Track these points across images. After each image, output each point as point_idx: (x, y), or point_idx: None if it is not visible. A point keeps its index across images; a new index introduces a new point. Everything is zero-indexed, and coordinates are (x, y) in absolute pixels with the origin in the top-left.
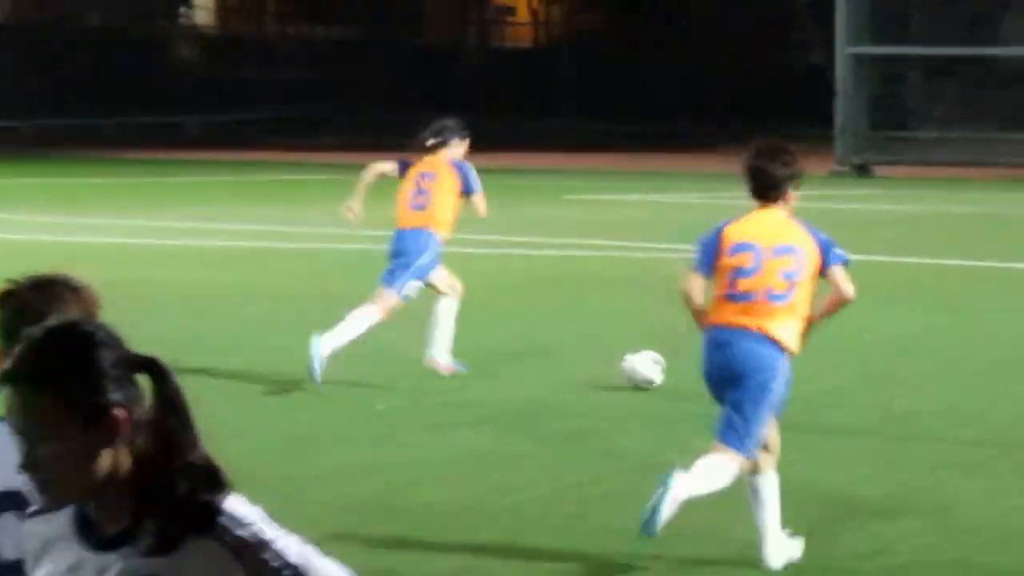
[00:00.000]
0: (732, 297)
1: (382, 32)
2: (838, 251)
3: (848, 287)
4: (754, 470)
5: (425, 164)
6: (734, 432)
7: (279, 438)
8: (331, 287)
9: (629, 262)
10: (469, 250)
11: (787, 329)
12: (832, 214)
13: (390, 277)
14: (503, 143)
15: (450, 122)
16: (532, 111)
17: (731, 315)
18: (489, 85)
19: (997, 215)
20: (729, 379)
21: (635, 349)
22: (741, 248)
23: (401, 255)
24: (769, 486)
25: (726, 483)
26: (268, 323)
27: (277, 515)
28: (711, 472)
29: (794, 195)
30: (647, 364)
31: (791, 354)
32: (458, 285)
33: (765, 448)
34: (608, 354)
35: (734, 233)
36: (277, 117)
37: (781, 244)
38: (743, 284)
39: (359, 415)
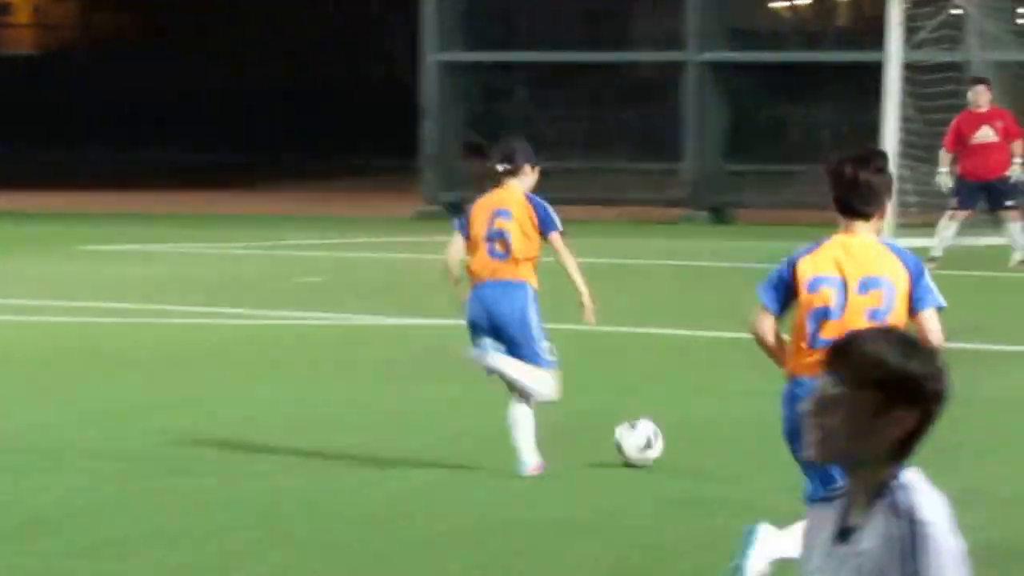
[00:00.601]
0: (815, 345)
1: None
2: (932, 291)
3: (936, 335)
4: None
5: (496, 199)
6: None
7: None
8: None
9: (171, 330)
10: None
11: None
12: (418, 266)
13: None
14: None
15: (519, 144)
16: (37, 136)
17: (813, 367)
18: None
19: (622, 267)
20: None
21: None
22: (822, 282)
23: (496, 320)
24: None
25: None
26: None
27: None
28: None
29: (882, 218)
30: (637, 452)
31: None
32: None
33: None
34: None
35: (812, 264)
36: None
37: (867, 275)
38: (829, 329)
39: None
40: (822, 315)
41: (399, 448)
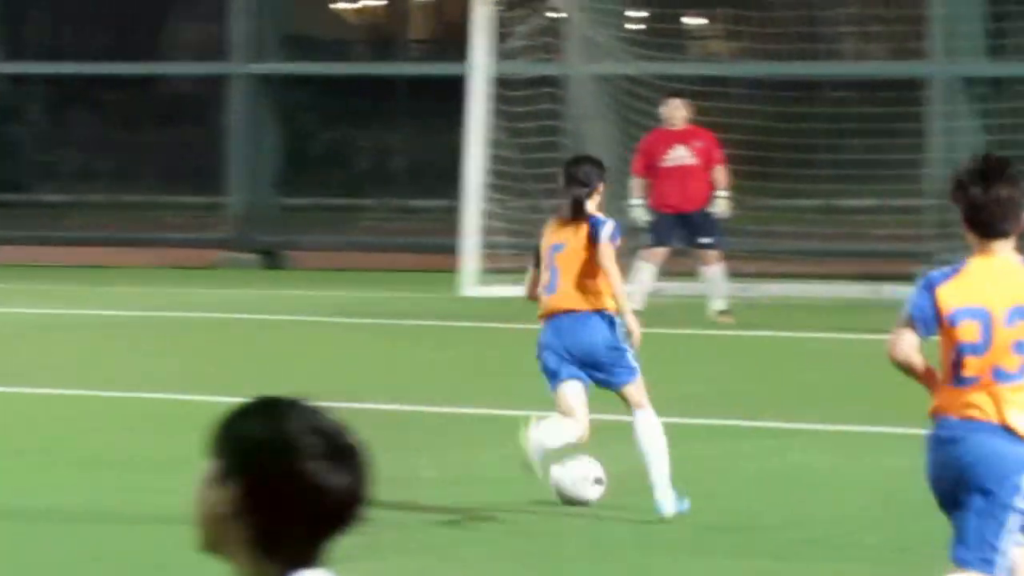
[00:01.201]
0: (957, 382)
1: None
2: None
3: None
4: None
5: (556, 230)
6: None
7: None
8: None
9: None
10: None
11: None
12: None
13: (610, 379)
14: None
15: (589, 161)
16: None
17: (958, 406)
18: None
19: (152, 321)
20: (959, 485)
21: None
22: (967, 314)
23: (578, 352)
24: None
25: None
26: None
27: None
28: None
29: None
30: (580, 484)
31: None
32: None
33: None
34: None
35: (954, 293)
36: None
37: (1015, 305)
38: (971, 366)
39: None
40: (967, 351)
41: None
